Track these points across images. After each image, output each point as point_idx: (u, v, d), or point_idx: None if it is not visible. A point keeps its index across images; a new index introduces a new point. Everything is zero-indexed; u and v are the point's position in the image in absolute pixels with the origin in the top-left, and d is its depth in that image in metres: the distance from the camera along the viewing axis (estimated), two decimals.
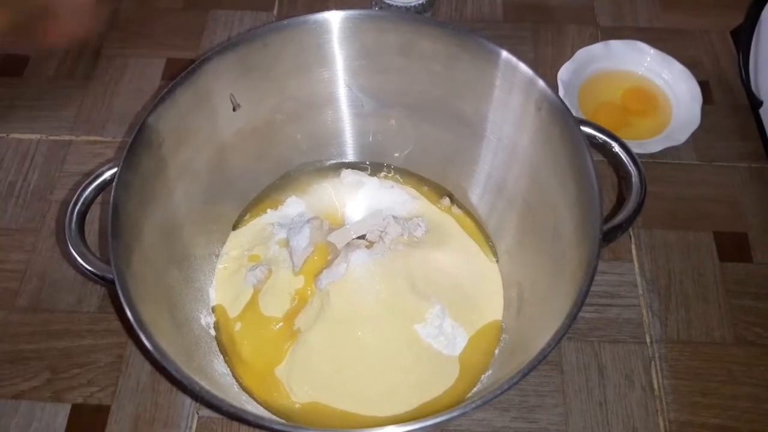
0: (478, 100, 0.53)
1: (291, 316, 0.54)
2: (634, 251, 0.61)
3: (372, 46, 0.54)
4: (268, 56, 0.53)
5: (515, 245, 0.56)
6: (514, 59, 0.49)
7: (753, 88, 0.68)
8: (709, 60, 0.74)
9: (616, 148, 0.47)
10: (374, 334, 0.52)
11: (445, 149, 0.59)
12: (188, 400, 0.54)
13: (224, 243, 0.59)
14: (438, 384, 0.52)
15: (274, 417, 0.49)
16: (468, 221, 0.60)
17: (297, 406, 0.51)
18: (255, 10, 0.78)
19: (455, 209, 0.60)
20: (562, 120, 0.47)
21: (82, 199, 0.46)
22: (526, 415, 0.53)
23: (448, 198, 0.61)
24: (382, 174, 0.63)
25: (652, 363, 0.55)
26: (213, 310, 0.56)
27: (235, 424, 0.53)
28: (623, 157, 0.47)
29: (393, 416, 0.50)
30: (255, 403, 0.51)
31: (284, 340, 0.53)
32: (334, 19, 0.52)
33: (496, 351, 0.53)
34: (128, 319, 0.41)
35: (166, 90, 0.49)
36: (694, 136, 0.65)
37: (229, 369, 0.53)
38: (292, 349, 0.53)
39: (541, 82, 0.48)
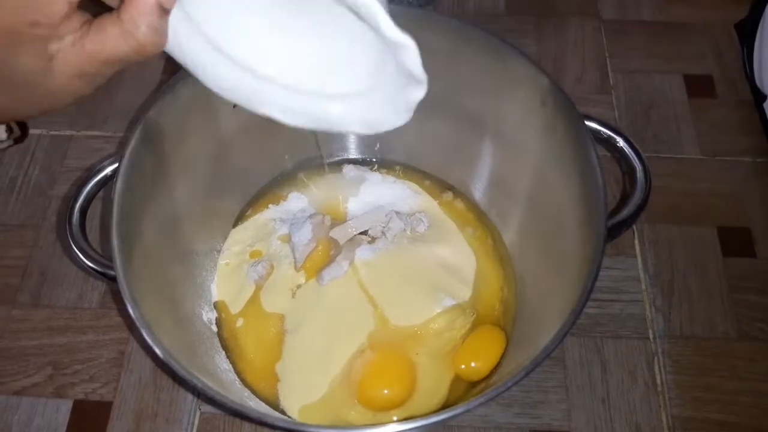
0: (481, 94, 0.53)
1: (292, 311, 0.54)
2: (637, 246, 0.61)
3: None
4: None
5: (518, 240, 0.56)
6: (519, 54, 0.49)
7: (757, 82, 0.68)
8: (713, 54, 0.73)
9: (621, 143, 0.47)
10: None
11: (448, 144, 0.58)
12: (190, 396, 0.54)
13: (225, 239, 0.59)
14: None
15: (276, 414, 0.49)
16: (470, 215, 0.60)
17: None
18: None
19: (458, 203, 0.60)
20: (567, 115, 0.47)
21: (83, 195, 0.46)
22: (529, 410, 0.53)
23: (450, 192, 0.60)
24: (384, 169, 0.62)
25: (655, 358, 0.55)
26: (215, 306, 0.56)
27: (238, 419, 0.53)
28: (628, 152, 0.47)
29: None
30: (257, 399, 0.51)
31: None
32: None
33: None
34: (130, 315, 0.41)
35: (166, 85, 0.48)
36: (698, 130, 0.64)
37: (231, 365, 0.52)
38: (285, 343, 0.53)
39: (545, 77, 0.48)
